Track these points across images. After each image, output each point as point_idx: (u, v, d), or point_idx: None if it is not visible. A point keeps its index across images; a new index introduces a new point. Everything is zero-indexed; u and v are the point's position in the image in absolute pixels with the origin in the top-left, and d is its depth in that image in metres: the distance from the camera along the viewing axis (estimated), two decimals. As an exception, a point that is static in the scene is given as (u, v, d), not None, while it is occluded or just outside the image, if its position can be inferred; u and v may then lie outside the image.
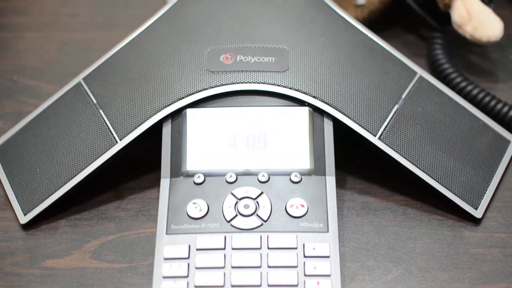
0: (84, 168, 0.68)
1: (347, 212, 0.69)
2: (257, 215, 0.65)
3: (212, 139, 0.68)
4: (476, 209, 0.69)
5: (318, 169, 0.67)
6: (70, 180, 0.69)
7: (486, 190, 0.70)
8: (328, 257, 0.63)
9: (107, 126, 0.70)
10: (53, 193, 0.69)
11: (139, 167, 0.73)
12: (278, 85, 0.69)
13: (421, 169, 0.68)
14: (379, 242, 0.67)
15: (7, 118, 0.79)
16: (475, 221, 0.69)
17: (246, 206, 0.65)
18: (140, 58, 0.74)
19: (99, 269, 0.66)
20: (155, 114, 0.69)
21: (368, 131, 0.68)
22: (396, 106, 0.71)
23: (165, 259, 0.63)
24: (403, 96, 0.72)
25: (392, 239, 0.67)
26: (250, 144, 0.68)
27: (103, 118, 0.70)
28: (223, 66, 0.70)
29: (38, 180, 0.70)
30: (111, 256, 0.67)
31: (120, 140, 0.68)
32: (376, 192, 0.71)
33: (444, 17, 0.83)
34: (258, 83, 0.69)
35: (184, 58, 0.71)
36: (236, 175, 0.67)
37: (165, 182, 0.67)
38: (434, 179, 0.68)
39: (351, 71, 0.71)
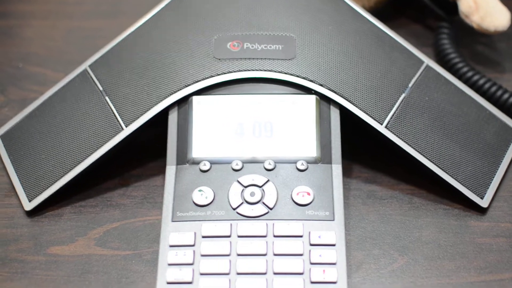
0: (90, 155, 0.68)
1: (353, 200, 0.69)
2: (263, 202, 0.65)
3: (218, 127, 0.68)
4: (482, 198, 0.68)
5: (324, 158, 0.67)
6: (75, 167, 0.68)
7: (492, 180, 0.70)
8: (334, 245, 0.63)
9: (113, 113, 0.69)
10: (58, 180, 0.68)
11: (144, 154, 0.73)
12: (285, 73, 0.69)
13: (427, 158, 0.68)
14: (385, 231, 0.67)
15: (12, 105, 0.79)
16: (481, 211, 0.69)
17: (252, 194, 0.65)
18: (147, 45, 0.73)
19: (104, 256, 0.66)
20: (161, 101, 0.68)
21: (375, 119, 0.68)
22: (403, 95, 0.70)
23: (170, 246, 0.63)
24: (410, 85, 0.71)
25: (398, 228, 0.67)
26: (256, 132, 0.68)
27: (109, 105, 0.70)
28: (230, 53, 0.70)
29: (43, 167, 0.69)
30: (116, 243, 0.66)
31: (126, 127, 0.68)
32: (382, 181, 0.71)
33: (451, 7, 0.82)
34: (265, 70, 0.69)
35: (190, 46, 0.71)
36: (242, 162, 0.67)
37: (171, 169, 0.67)
38: (441, 168, 0.68)
39: (358, 59, 0.71)
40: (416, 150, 0.68)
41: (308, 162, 0.67)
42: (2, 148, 0.73)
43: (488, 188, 0.69)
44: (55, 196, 0.69)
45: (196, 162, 0.67)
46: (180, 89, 0.68)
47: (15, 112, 0.77)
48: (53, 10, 0.93)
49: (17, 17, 0.92)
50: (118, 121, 0.69)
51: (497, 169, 0.70)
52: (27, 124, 0.74)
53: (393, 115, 0.69)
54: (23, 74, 0.83)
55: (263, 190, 0.65)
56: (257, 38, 0.71)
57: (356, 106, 0.68)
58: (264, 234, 0.63)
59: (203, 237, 0.63)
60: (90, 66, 0.75)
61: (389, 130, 0.68)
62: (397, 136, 0.68)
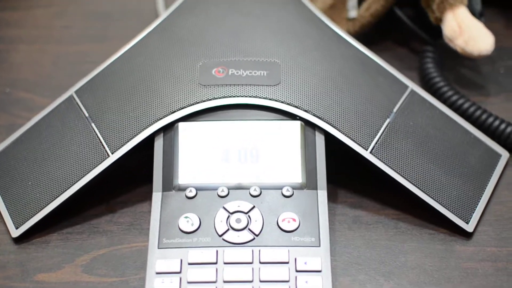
0: (76, 182, 0.68)
1: (338, 226, 0.70)
2: (249, 229, 0.65)
3: (204, 153, 0.68)
4: (467, 223, 0.69)
5: (309, 183, 0.67)
6: (62, 193, 0.68)
7: (478, 204, 0.70)
8: (320, 271, 0.63)
9: (99, 139, 0.70)
10: (45, 206, 0.68)
11: (131, 180, 0.73)
12: (270, 99, 0.69)
13: (412, 183, 0.68)
14: (371, 256, 0.67)
15: (0, 131, 0.79)
16: (467, 235, 0.69)
17: (238, 220, 0.65)
18: (132, 71, 0.74)
19: (91, 283, 0.66)
20: (147, 127, 0.69)
21: (359, 145, 0.68)
22: (388, 120, 0.71)
23: (157, 273, 0.63)
24: (395, 110, 0.72)
25: (384, 253, 0.68)
26: (242, 158, 0.68)
27: (95, 131, 0.70)
28: (215, 79, 0.70)
29: (30, 194, 0.70)
30: (103, 270, 0.67)
31: (112, 153, 0.69)
32: (368, 206, 0.71)
33: (435, 31, 0.83)
34: (250, 97, 0.69)
35: (176, 72, 0.72)
36: (228, 189, 0.67)
37: (157, 196, 0.67)
38: (426, 193, 0.68)
39: (342, 85, 0.72)
40: (401, 175, 0.68)
41: (293, 188, 0.67)
42: (-12, 174, 0.73)
43: (473, 212, 0.69)
44: (42, 222, 0.69)
45: (182, 189, 0.67)
46: (166, 116, 0.69)
47: (2, 138, 0.77)
48: (41, 34, 0.93)
49: (4, 42, 0.92)
50: (104, 147, 0.69)
51: (482, 193, 0.71)
52: (14, 150, 0.74)
53: (378, 140, 0.69)
54: (10, 99, 0.83)
55: (249, 216, 0.66)
56: (242, 64, 0.72)
57: (341, 132, 0.69)
58: (250, 260, 0.63)
59: (189, 264, 0.63)
60: (76, 92, 0.75)
61: (374, 155, 0.68)
62: (382, 161, 0.68)
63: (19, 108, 0.82)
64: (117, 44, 0.83)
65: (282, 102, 0.69)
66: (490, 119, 0.76)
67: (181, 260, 0.64)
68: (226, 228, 0.65)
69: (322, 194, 0.67)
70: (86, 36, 0.93)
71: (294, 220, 0.65)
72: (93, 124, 0.71)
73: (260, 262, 0.63)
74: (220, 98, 0.69)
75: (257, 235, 0.65)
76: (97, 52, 0.89)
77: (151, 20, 0.81)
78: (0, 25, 0.94)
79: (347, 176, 0.73)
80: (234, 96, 0.69)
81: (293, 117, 0.69)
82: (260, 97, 0.69)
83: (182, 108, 0.69)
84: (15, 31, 0.94)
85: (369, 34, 0.87)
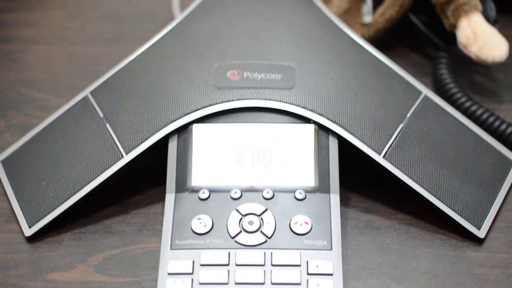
0: (90, 182, 0.69)
1: (350, 230, 0.70)
2: (261, 231, 0.65)
3: (217, 155, 0.68)
4: (479, 229, 0.69)
5: (322, 187, 0.67)
6: (75, 193, 0.69)
7: (489, 210, 0.70)
8: (331, 275, 0.63)
9: (114, 140, 0.70)
10: (58, 206, 0.69)
11: (144, 181, 0.73)
12: (284, 102, 0.69)
13: (425, 188, 0.69)
14: (382, 260, 0.67)
15: (14, 130, 0.79)
16: (478, 241, 0.69)
17: (251, 223, 0.66)
18: (147, 73, 0.74)
19: (103, 283, 0.66)
20: (161, 129, 0.69)
21: (373, 149, 0.69)
22: (401, 125, 0.71)
23: (169, 274, 0.63)
24: (408, 115, 0.72)
25: (395, 257, 0.68)
26: (255, 161, 0.68)
27: (109, 132, 0.71)
28: (229, 82, 0.71)
29: (43, 193, 0.70)
30: (115, 271, 0.67)
31: (126, 154, 0.69)
32: (380, 210, 0.71)
33: (449, 37, 0.83)
34: (264, 99, 0.69)
35: (191, 74, 0.72)
36: (241, 191, 0.67)
37: (170, 197, 0.67)
38: (438, 199, 0.69)
39: (356, 89, 0.72)
40: (413, 180, 0.68)
41: (306, 191, 0.67)
42: (3, 174, 0.73)
43: (485, 218, 0.69)
44: (55, 222, 0.69)
45: (195, 190, 0.67)
46: (180, 117, 0.69)
47: (17, 137, 0.77)
48: (56, 35, 0.93)
49: (19, 42, 0.92)
50: (118, 148, 0.69)
51: (494, 200, 0.71)
52: (28, 149, 0.74)
53: (391, 145, 0.69)
54: (25, 99, 0.84)
55: (261, 219, 0.66)
56: (257, 67, 0.72)
57: (354, 136, 0.69)
58: (262, 263, 0.64)
59: (202, 265, 0.64)
60: (91, 92, 0.75)
61: (387, 160, 0.69)
62: (394, 166, 0.68)
63: (33, 108, 0.83)
64: (131, 46, 0.83)
65: (296, 105, 0.69)
66: (503, 126, 0.76)
67: (193, 261, 0.64)
68: (239, 230, 0.65)
69: (335, 198, 0.67)
70: (100, 38, 0.93)
71: (306, 223, 0.66)
72: (107, 125, 0.71)
73: (272, 265, 0.64)
74: (234, 100, 0.69)
75: (269, 238, 0.65)
76: (111, 54, 0.89)
77: (165, 23, 0.82)
78: (15, 26, 0.95)
79: (360, 180, 0.73)
80: (248, 99, 0.69)
81: (307, 120, 0.69)
82: (274, 100, 0.69)
83: (197, 110, 0.69)
84: (30, 31, 0.94)
85: (384, 40, 0.87)
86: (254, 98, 0.69)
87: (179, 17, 0.80)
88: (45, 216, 0.69)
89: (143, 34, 0.89)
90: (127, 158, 0.69)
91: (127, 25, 0.95)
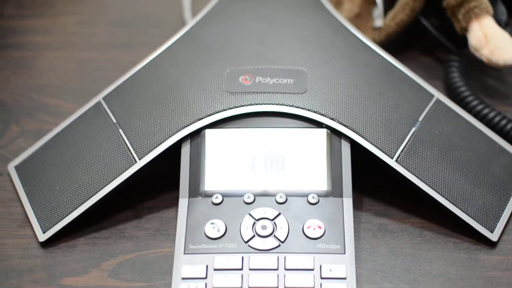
0: (103, 187, 0.69)
1: (363, 233, 0.70)
2: (274, 236, 0.65)
3: (230, 160, 0.68)
4: (492, 232, 0.69)
5: (335, 191, 0.68)
6: (89, 198, 0.69)
7: (502, 213, 0.70)
8: (345, 278, 0.63)
9: (127, 145, 0.70)
10: (72, 211, 0.69)
11: (157, 186, 0.73)
12: (297, 107, 0.69)
13: (437, 192, 0.69)
14: (395, 264, 0.67)
15: (27, 136, 0.80)
16: (491, 244, 0.69)
17: (264, 227, 0.66)
18: (160, 78, 0.74)
19: (116, 287, 0.66)
20: (174, 134, 0.69)
21: (385, 153, 0.69)
22: (413, 129, 0.71)
23: (182, 278, 0.63)
24: (420, 118, 0.72)
25: (408, 261, 0.68)
26: (268, 165, 0.68)
27: (122, 137, 0.71)
28: (242, 87, 0.71)
29: (57, 198, 0.70)
30: (129, 275, 0.67)
31: (140, 159, 0.69)
32: (393, 214, 0.71)
33: (461, 40, 0.83)
34: (276, 104, 0.69)
35: (203, 79, 0.72)
36: (254, 196, 0.67)
37: (183, 202, 0.68)
38: (451, 202, 0.69)
39: (368, 93, 0.72)
40: (426, 183, 0.69)
41: (319, 196, 0.67)
42: (16, 179, 0.74)
43: (498, 221, 0.69)
44: (68, 227, 0.69)
45: (208, 195, 0.68)
46: (193, 123, 0.69)
47: (30, 143, 0.78)
48: (66, 41, 0.94)
49: (31, 49, 0.93)
50: (131, 153, 0.70)
51: (507, 203, 0.71)
52: (41, 155, 0.74)
53: (403, 149, 0.69)
54: (37, 105, 0.84)
55: (274, 223, 0.66)
56: (269, 72, 0.72)
57: (367, 140, 0.69)
58: (275, 267, 0.64)
59: (215, 269, 0.64)
60: (104, 98, 0.76)
61: (399, 164, 0.69)
62: (407, 170, 0.69)
63: (46, 113, 0.83)
64: (141, 51, 0.83)
65: (308, 110, 0.69)
66: (516, 129, 0.76)
67: (207, 266, 0.64)
68: (252, 235, 0.65)
69: (348, 202, 0.67)
70: (111, 44, 0.93)
71: (319, 227, 0.66)
72: (120, 130, 0.71)
73: (285, 269, 0.64)
74: (247, 105, 0.69)
75: (282, 242, 0.65)
76: (121, 59, 0.90)
77: (175, 28, 0.82)
78: (27, 32, 0.95)
79: (372, 184, 0.73)
80: (261, 104, 0.69)
81: (319, 125, 0.69)
82: (286, 105, 0.69)
83: (209, 115, 0.69)
84: (42, 38, 0.94)
85: (395, 43, 0.87)
86: (266, 103, 0.70)
87: (190, 23, 0.80)
88: (59, 221, 0.69)
89: (153, 39, 0.89)
90: (140, 163, 0.69)
91: (137, 30, 0.95)
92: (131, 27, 0.95)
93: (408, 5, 0.85)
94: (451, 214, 0.69)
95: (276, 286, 0.63)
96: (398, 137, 0.70)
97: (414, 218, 0.71)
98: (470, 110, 0.78)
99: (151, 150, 0.69)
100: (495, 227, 0.69)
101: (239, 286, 0.63)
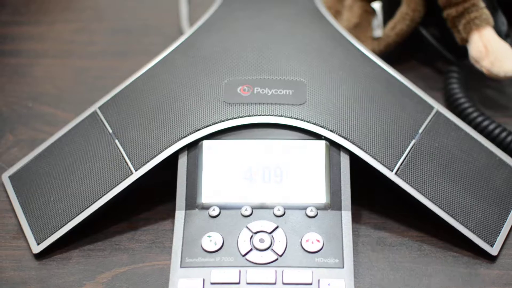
0: (99, 199, 0.68)
1: (362, 247, 0.69)
2: (272, 249, 0.65)
3: (228, 172, 0.68)
4: (492, 246, 0.68)
5: (334, 204, 0.67)
6: (84, 210, 0.68)
7: (502, 227, 0.69)
8: (343, 293, 0.63)
9: (123, 156, 0.69)
10: (67, 223, 0.68)
11: (153, 198, 0.73)
12: (295, 118, 0.69)
13: (437, 205, 0.68)
14: (394, 278, 0.67)
15: (22, 146, 0.79)
16: (491, 258, 0.68)
17: (261, 240, 0.65)
18: (156, 88, 0.73)
19: (112, 301, 0.66)
20: (171, 145, 0.68)
21: (384, 166, 0.68)
22: (413, 141, 0.70)
23: (179, 292, 0.63)
24: (420, 131, 0.71)
25: (407, 275, 0.67)
26: (266, 178, 0.68)
27: (118, 148, 0.70)
28: (240, 98, 0.70)
29: (51, 210, 0.69)
30: (124, 288, 0.66)
31: (136, 170, 0.68)
32: (392, 227, 0.71)
33: (461, 51, 0.82)
34: (275, 116, 0.69)
35: (201, 89, 0.71)
36: (252, 208, 0.67)
37: (180, 214, 0.67)
38: (450, 215, 0.68)
39: (368, 105, 0.71)
40: (425, 197, 0.68)
41: (317, 209, 0.66)
42: (11, 190, 0.73)
43: (498, 235, 0.69)
44: (63, 239, 0.68)
45: (205, 207, 0.67)
46: (190, 134, 0.68)
47: (24, 153, 0.77)
48: (63, 49, 0.93)
49: (27, 56, 0.92)
50: (127, 164, 0.69)
51: (507, 216, 0.70)
52: (36, 165, 0.74)
53: (403, 161, 0.69)
54: (32, 113, 0.83)
55: (272, 236, 0.65)
56: (268, 83, 0.71)
57: (366, 153, 0.68)
58: (273, 281, 0.63)
59: (212, 283, 0.63)
60: (99, 108, 0.75)
61: (399, 177, 0.68)
62: (407, 183, 0.68)
63: (41, 122, 0.82)
64: (138, 60, 0.83)
65: (307, 121, 0.68)
66: (516, 141, 0.76)
67: (204, 280, 0.63)
68: (249, 248, 0.65)
69: (347, 215, 0.66)
70: (108, 52, 0.93)
71: (318, 241, 0.65)
72: (116, 141, 0.71)
73: (283, 283, 0.63)
74: (245, 116, 0.69)
75: (280, 256, 0.64)
76: (118, 68, 0.89)
77: (174, 37, 0.81)
78: (23, 39, 0.95)
79: (371, 196, 0.73)
80: (259, 115, 0.69)
81: (318, 137, 0.69)
82: (285, 116, 0.69)
83: (207, 126, 0.69)
84: (38, 45, 0.94)
85: (394, 53, 0.87)
86: (264, 114, 0.69)
87: (188, 32, 0.79)
88: (53, 233, 0.68)
89: (150, 48, 0.89)
90: (136, 174, 0.68)
91: (134, 39, 0.95)
92: (129, 35, 0.95)
93: (408, 15, 0.84)
94: (450, 228, 0.68)
95: (273, 300, 0.62)
96: (397, 150, 0.69)
97: (413, 231, 0.70)
98: (470, 122, 0.78)
99: (148, 161, 0.68)
100: (495, 241, 0.68)
101: (236, 300, 0.62)
